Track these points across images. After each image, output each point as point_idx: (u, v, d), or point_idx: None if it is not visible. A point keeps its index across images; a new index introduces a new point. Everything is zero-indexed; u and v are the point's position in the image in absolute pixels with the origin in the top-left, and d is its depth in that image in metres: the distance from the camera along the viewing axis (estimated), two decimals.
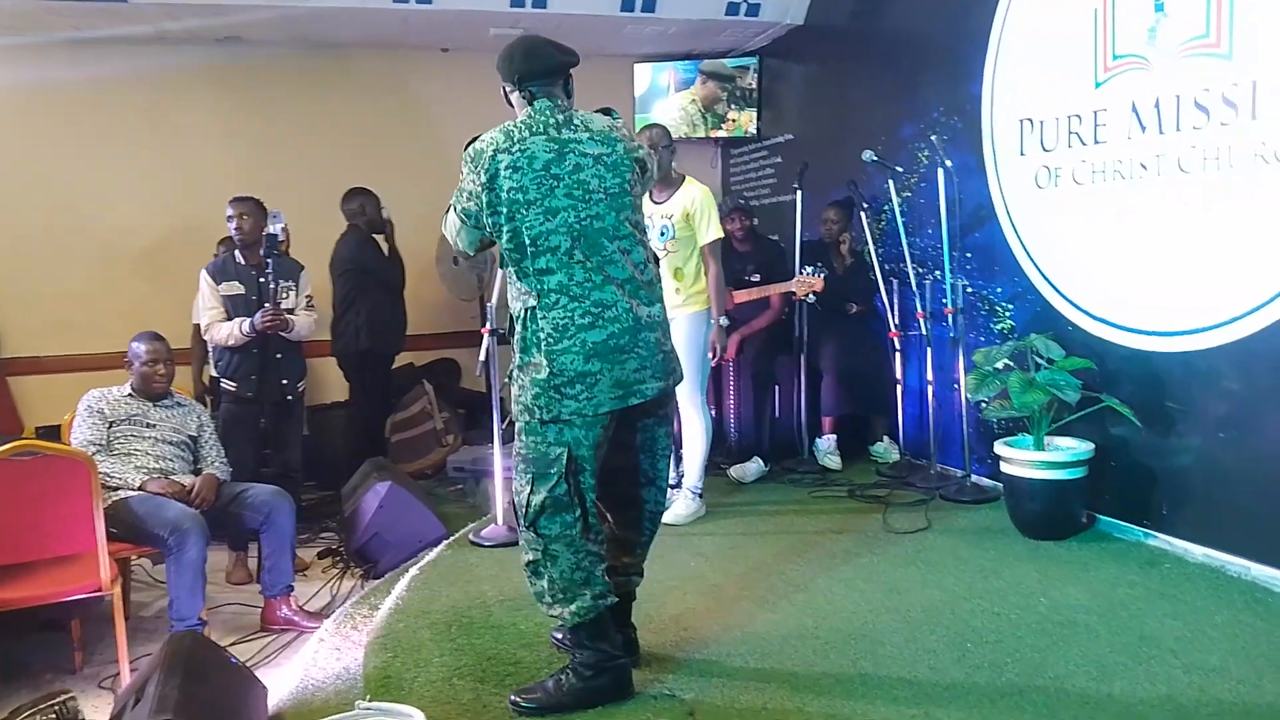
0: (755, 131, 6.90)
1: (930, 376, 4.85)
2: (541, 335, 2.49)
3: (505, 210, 2.51)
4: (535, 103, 2.64)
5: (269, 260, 4.26)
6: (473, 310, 6.13)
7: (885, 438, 5.36)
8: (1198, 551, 3.54)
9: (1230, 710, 2.44)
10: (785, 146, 6.66)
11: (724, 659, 2.85)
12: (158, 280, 5.99)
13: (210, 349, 4.45)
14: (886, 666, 2.76)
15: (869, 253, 5.06)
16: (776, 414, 5.38)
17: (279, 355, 4.35)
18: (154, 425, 3.81)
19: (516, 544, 3.92)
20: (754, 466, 5.04)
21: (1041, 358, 3.91)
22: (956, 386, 4.57)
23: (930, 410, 4.85)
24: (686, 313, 4.17)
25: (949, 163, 4.54)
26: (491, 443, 4.35)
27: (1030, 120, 4.22)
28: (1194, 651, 2.77)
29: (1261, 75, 3.22)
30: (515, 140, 2.55)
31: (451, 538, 4.22)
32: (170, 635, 2.90)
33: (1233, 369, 3.41)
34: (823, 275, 4.95)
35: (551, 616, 2.64)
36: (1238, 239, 3.35)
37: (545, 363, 2.48)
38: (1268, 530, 3.29)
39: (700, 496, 4.35)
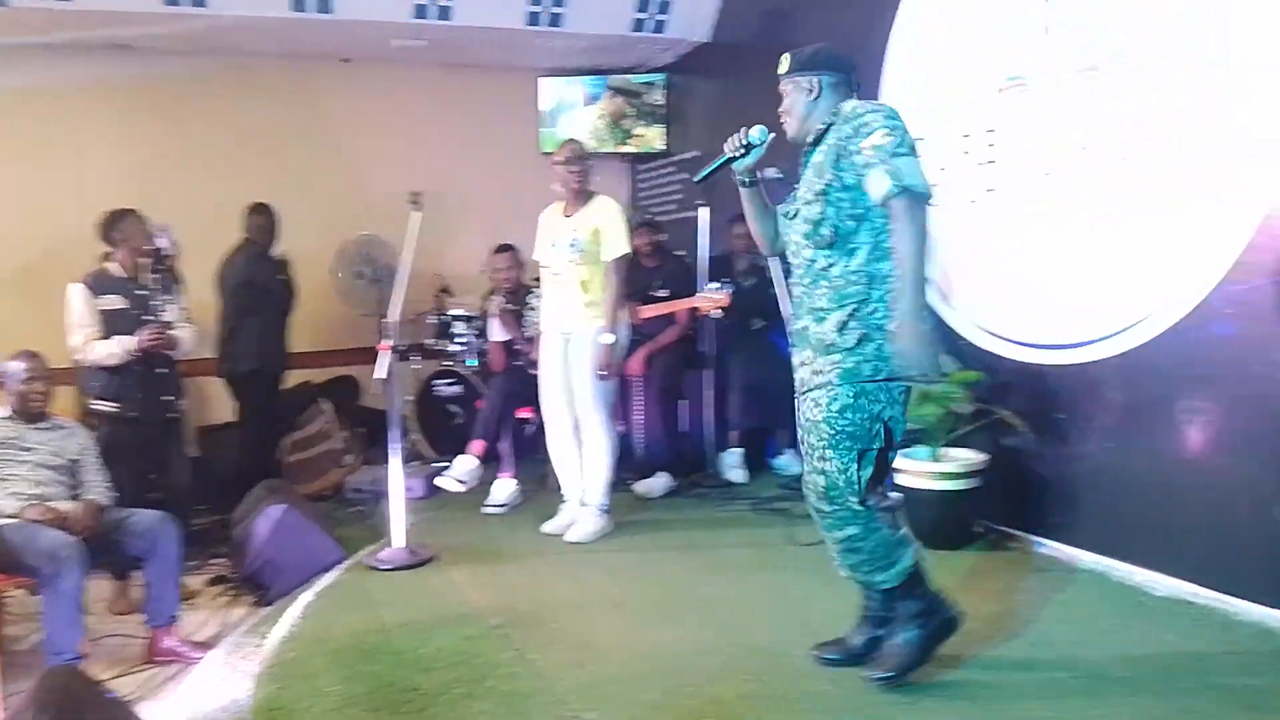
0: (663, 147, 6.94)
1: None
2: (882, 306, 2.53)
3: None
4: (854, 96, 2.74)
5: (156, 274, 4.10)
6: (372, 326, 6.00)
7: (788, 450, 5.41)
8: (1086, 558, 3.66)
9: (1115, 712, 2.50)
10: (693, 162, 6.70)
11: (629, 677, 2.82)
12: (37, 297, 5.70)
13: (84, 369, 4.24)
14: (792, 680, 2.76)
15: (772, 269, 5.11)
16: (683, 429, 5.40)
17: (163, 372, 4.19)
18: (32, 449, 3.62)
19: (412, 566, 3.92)
20: (660, 482, 5.03)
21: None
22: None
23: None
24: (594, 327, 4.15)
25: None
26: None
27: (922, 139, 4.31)
28: (1082, 654, 2.85)
29: (1143, 97, 3.35)
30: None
31: (348, 561, 4.11)
32: (45, 670, 2.75)
33: (1117, 381, 3.54)
34: (728, 291, 4.98)
35: (869, 584, 2.72)
36: (1121, 256, 3.48)
37: (878, 331, 2.52)
38: (1150, 536, 3.42)
39: (606, 513, 4.32)
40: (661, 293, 5.30)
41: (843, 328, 2.55)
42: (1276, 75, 2.94)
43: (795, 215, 2.70)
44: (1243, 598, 3.09)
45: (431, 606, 3.47)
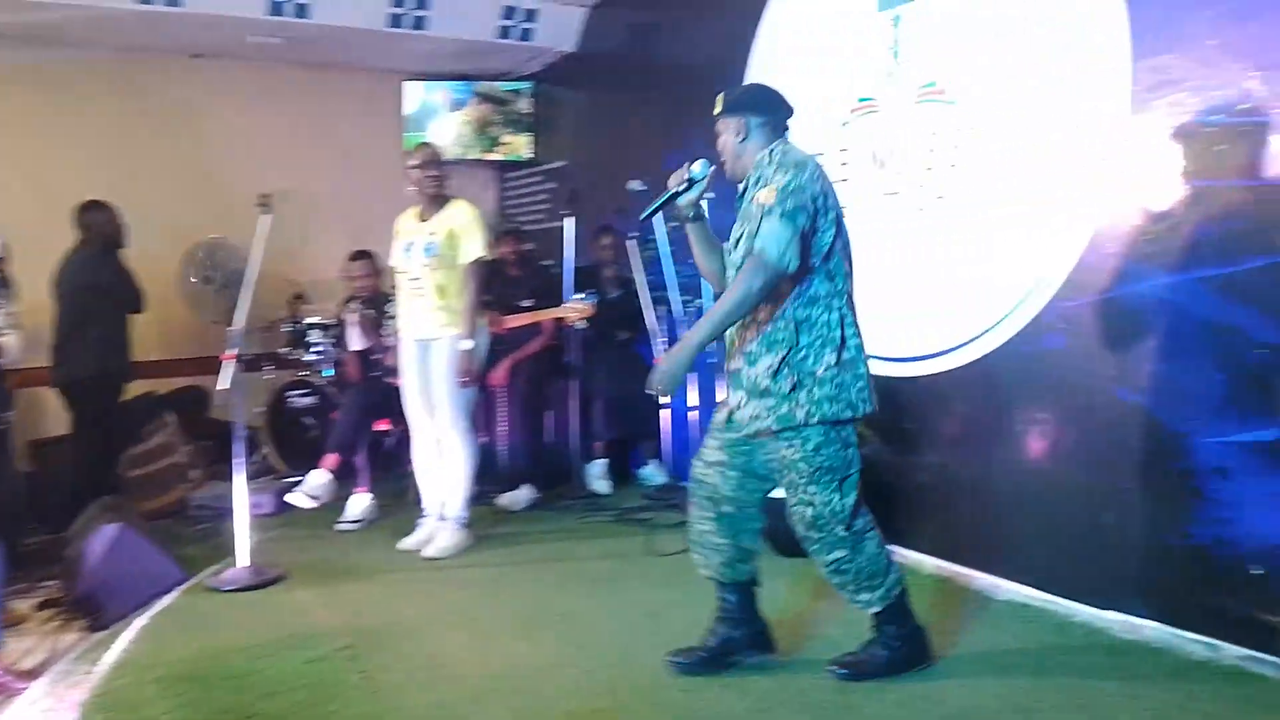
0: (530, 156, 6.90)
1: (694, 401, 4.97)
2: (848, 333, 2.68)
3: (835, 219, 2.69)
4: (785, 136, 2.84)
5: None
6: (221, 334, 5.74)
7: (653, 461, 5.43)
8: (930, 563, 3.79)
9: (955, 713, 2.59)
10: (559, 172, 6.68)
11: (479, 696, 2.76)
12: None
13: None
14: (643, 691, 2.76)
15: (637, 280, 5.13)
16: (548, 440, 5.35)
17: None
18: None
19: (256, 587, 3.75)
20: (524, 494, 4.98)
21: None
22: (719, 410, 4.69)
23: (694, 433, 4.97)
24: (451, 334, 4.07)
25: (711, 194, 4.66)
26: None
27: None
28: None
29: (982, 122, 3.51)
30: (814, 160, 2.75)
31: (189, 583, 3.90)
32: None
33: (958, 391, 3.69)
34: (594, 301, 4.97)
35: (863, 606, 2.81)
36: (961, 272, 3.63)
37: (848, 354, 2.67)
38: (989, 542, 3.57)
39: (466, 527, 4.24)
40: (526, 302, 5.25)
41: (776, 374, 2.65)
42: (1099, 102, 3.12)
43: (733, 254, 2.79)
44: (1075, 600, 3.25)
45: (275, 628, 3.33)
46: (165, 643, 3.25)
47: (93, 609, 3.81)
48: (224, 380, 3.83)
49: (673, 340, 5.14)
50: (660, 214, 4.61)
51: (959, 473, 3.72)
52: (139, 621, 3.49)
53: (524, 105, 6.83)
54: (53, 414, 5.32)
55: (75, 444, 5.11)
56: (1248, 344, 2.77)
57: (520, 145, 6.87)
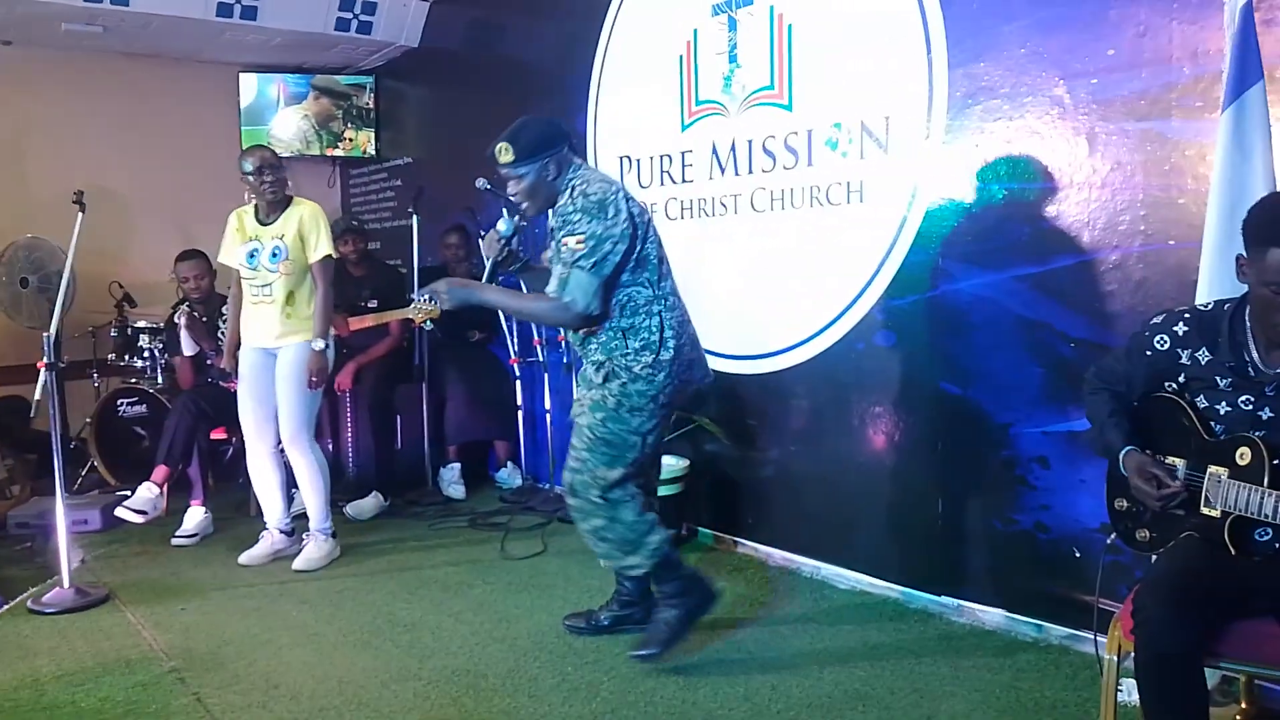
0: (374, 152, 6.71)
1: (549, 402, 4.95)
2: (667, 334, 2.85)
3: (644, 234, 2.88)
4: (576, 160, 2.96)
5: None
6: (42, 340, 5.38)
7: (509, 463, 5.38)
8: (778, 555, 3.89)
9: (797, 704, 2.66)
10: (405, 169, 6.53)
11: (317, 713, 2.67)
12: None
13: None
14: (488, 700, 2.73)
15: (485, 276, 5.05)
16: (399, 445, 5.22)
17: None
18: None
19: (81, 609, 3.52)
20: (371, 502, 4.84)
21: None
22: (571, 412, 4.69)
23: (550, 434, 4.95)
24: (298, 340, 3.92)
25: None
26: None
27: (629, 157, 4.44)
28: (769, 651, 3.03)
29: (815, 126, 3.61)
30: (617, 183, 2.91)
31: (8, 605, 3.63)
32: None
33: (800, 387, 3.79)
34: (439, 303, 4.86)
35: (624, 568, 2.99)
36: (800, 272, 3.72)
37: (665, 354, 2.83)
38: (832, 532, 3.68)
39: (332, 536, 4.10)
40: (371, 303, 5.10)
41: (599, 367, 2.90)
42: (920, 107, 3.25)
43: (555, 274, 2.92)
44: (912, 587, 3.40)
45: (99, 653, 3.14)
46: None
47: None
48: (39, 389, 3.57)
49: (524, 341, 5.11)
50: (506, 211, 4.62)
51: (800, 466, 3.82)
52: None
53: (366, 100, 6.64)
54: None
55: None
56: (1061, 338, 2.95)
57: (364, 141, 6.68)
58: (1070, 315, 2.93)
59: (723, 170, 3.98)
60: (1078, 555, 2.93)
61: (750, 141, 3.85)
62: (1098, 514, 2.77)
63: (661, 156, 4.26)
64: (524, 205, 2.95)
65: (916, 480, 3.39)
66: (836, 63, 3.52)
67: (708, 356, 4.04)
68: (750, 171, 3.86)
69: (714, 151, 4.00)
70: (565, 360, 4.77)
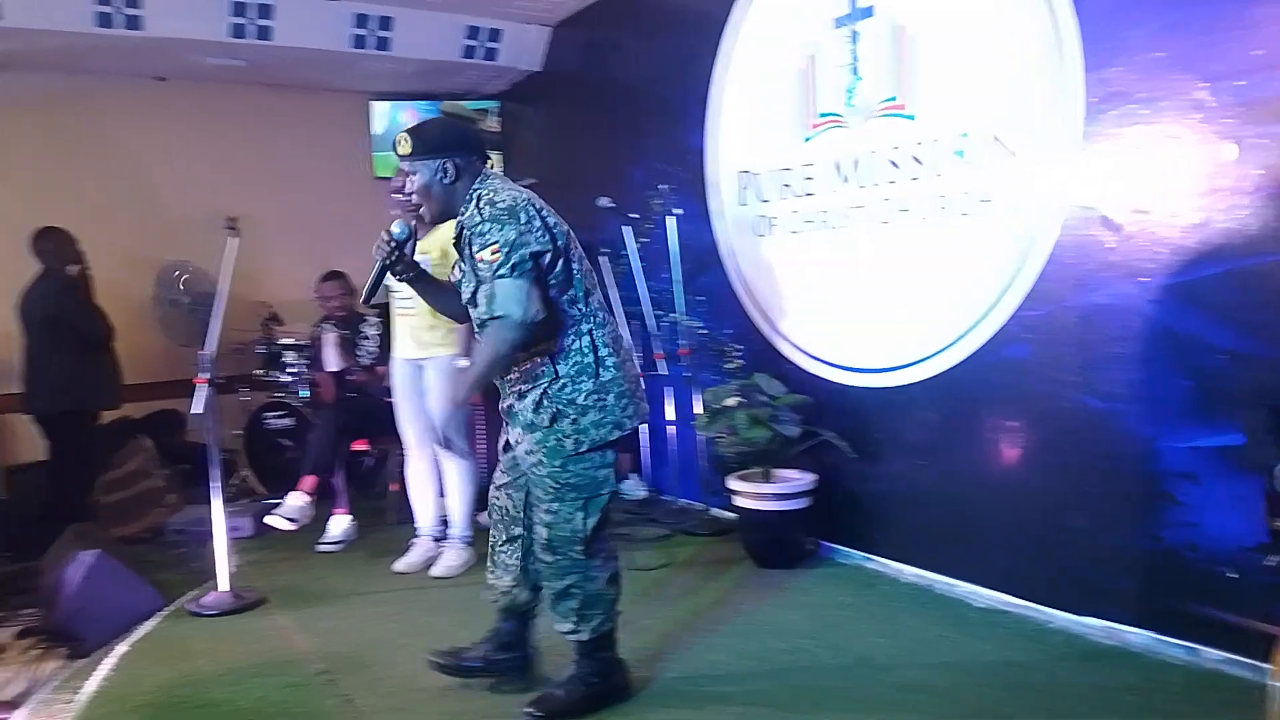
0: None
1: (670, 415, 5.00)
2: (602, 353, 2.66)
3: (563, 246, 2.67)
4: (488, 172, 2.80)
5: None
6: (194, 357, 5.71)
7: (632, 475, 5.45)
8: (909, 572, 3.83)
9: None
10: (529, 190, 6.68)
11: (456, 715, 2.78)
12: None
13: None
14: (623, 708, 2.78)
15: (611, 296, 5.16)
16: None
17: None
18: None
19: (237, 611, 3.74)
20: None
21: (765, 394, 4.11)
22: (694, 424, 4.73)
23: (672, 447, 5.00)
24: (443, 354, 4.07)
25: (678, 210, 4.73)
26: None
27: (748, 172, 4.47)
28: (903, 669, 2.98)
29: (941, 135, 3.56)
30: (529, 193, 2.72)
31: (169, 608, 3.88)
32: None
33: (928, 401, 3.73)
34: None
35: (570, 634, 2.75)
36: (928, 284, 3.68)
37: (606, 375, 2.65)
38: (965, 549, 3.61)
39: (470, 544, 4.23)
40: None
41: (538, 407, 2.65)
42: (1055, 114, 3.18)
43: (469, 300, 2.73)
44: (1052, 606, 3.30)
45: (254, 654, 3.32)
46: (145, 670, 3.23)
47: (72, 637, 3.78)
48: (197, 404, 3.81)
49: (646, 356, 5.17)
50: (629, 229, 4.68)
51: (930, 481, 3.76)
52: (119, 649, 3.47)
53: (491, 124, 6.85)
54: (26, 440, 5.28)
55: (49, 470, 5.07)
56: (1208, 350, 2.83)
57: (489, 164, 6.87)
58: (1218, 326, 2.81)
59: (845, 182, 3.96)
60: (1232, 576, 2.80)
61: (874, 153, 3.82)
62: (1254, 533, 2.68)
63: (783, 170, 4.26)
64: (421, 208, 2.77)
65: (1055, 496, 3.30)
66: (962, 72, 3.47)
67: (832, 369, 4.10)
68: (875, 183, 3.84)
69: (836, 164, 3.99)
70: (687, 374, 4.82)
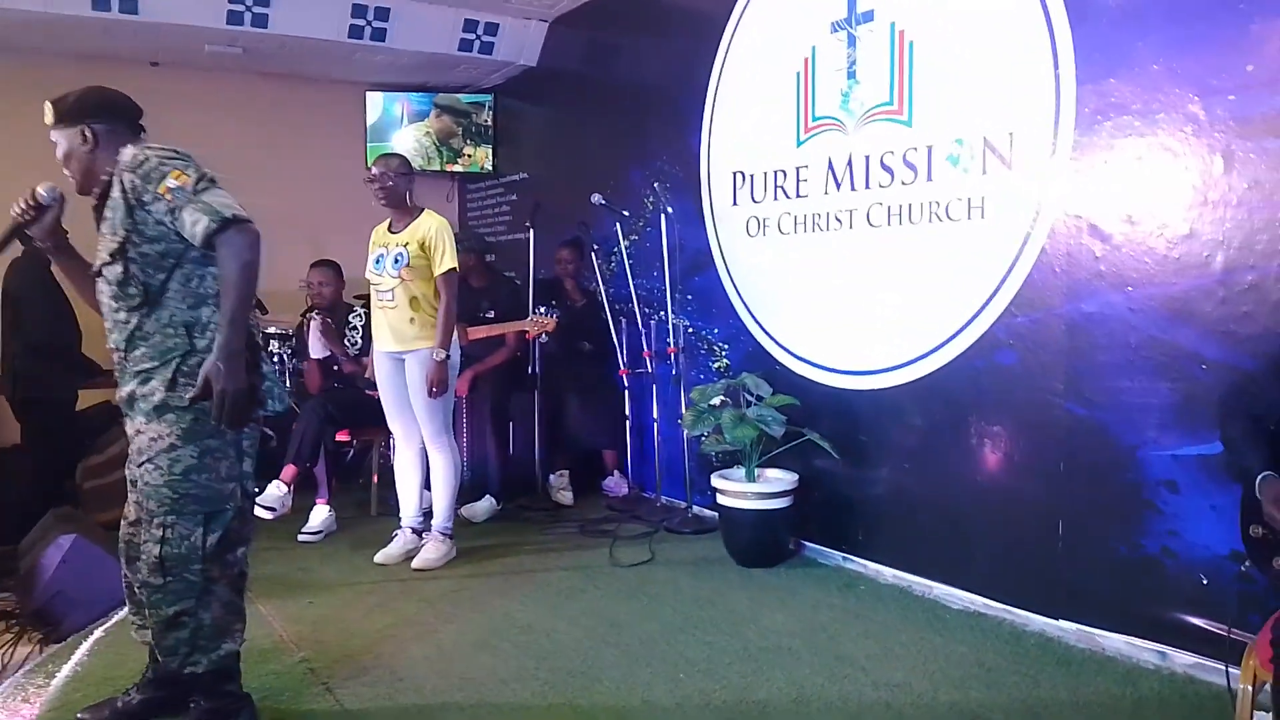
0: (491, 168, 6.92)
1: (655, 413, 5.02)
2: (209, 355, 2.33)
3: None
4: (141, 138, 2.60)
5: None
6: None
7: (616, 472, 5.46)
8: (889, 573, 3.85)
9: None
10: (521, 184, 6.71)
11: (438, 708, 2.78)
12: None
13: None
14: (603, 702, 2.79)
15: (601, 293, 5.17)
16: (512, 451, 5.36)
17: None
18: None
19: None
20: (485, 505, 4.98)
21: (752, 395, 4.13)
22: (680, 422, 4.75)
23: (656, 445, 5.01)
24: (423, 347, 4.07)
25: (671, 209, 4.75)
26: None
27: (742, 173, 4.49)
28: (882, 669, 3.00)
29: (936, 141, 3.59)
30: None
31: None
32: None
33: (914, 405, 3.76)
34: (555, 315, 4.99)
35: (177, 666, 2.46)
36: (916, 288, 3.70)
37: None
38: (945, 552, 3.63)
39: (450, 537, 4.23)
40: (489, 314, 5.26)
41: (173, 385, 2.38)
42: (1046, 123, 3.21)
43: (100, 276, 2.48)
44: (1029, 610, 3.33)
45: None
46: (121, 655, 3.21)
47: (48, 622, 3.76)
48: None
49: (633, 353, 5.19)
50: (620, 227, 4.69)
51: (913, 483, 3.79)
52: (96, 634, 3.45)
53: (485, 118, 6.86)
54: (6, 424, 5.24)
55: (29, 455, 5.04)
56: (1193, 360, 2.87)
57: (481, 157, 6.89)
58: (1203, 336, 2.85)
59: (839, 186, 3.98)
60: (1204, 582, 2.84)
61: (868, 157, 3.85)
62: (1229, 541, 2.71)
63: (776, 172, 4.29)
64: (69, 174, 2.57)
65: (1036, 502, 3.33)
66: (959, 79, 3.50)
67: (820, 371, 4.12)
68: (867, 186, 3.86)
69: (830, 167, 4.01)
70: (675, 372, 4.83)
